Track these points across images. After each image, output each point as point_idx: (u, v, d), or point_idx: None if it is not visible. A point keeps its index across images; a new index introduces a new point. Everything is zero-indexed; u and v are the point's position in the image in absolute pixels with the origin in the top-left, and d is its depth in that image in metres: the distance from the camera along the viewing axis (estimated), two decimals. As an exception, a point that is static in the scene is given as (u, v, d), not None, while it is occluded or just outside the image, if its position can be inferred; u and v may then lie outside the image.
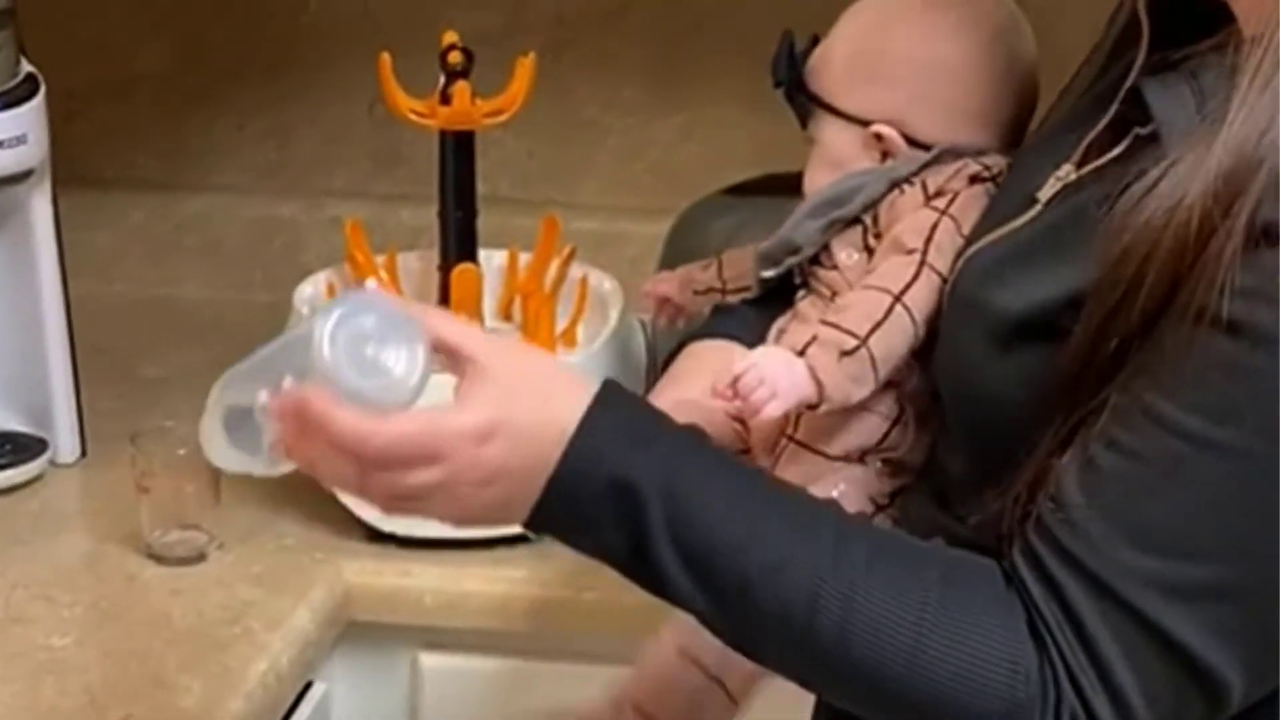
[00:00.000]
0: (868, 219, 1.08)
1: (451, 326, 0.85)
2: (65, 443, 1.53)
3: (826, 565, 0.80)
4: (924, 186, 1.06)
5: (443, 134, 1.42)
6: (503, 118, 1.42)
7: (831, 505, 0.90)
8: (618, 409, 0.83)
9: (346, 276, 1.51)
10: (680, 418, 0.88)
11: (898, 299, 1.01)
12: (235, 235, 1.94)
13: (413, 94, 1.43)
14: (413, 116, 1.41)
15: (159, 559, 1.38)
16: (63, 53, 1.77)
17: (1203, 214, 0.75)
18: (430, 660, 1.42)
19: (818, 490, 0.95)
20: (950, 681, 0.79)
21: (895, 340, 1.01)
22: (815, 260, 1.10)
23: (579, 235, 1.67)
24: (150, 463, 1.37)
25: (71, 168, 1.61)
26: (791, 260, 1.10)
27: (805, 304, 1.10)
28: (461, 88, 1.37)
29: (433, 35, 1.80)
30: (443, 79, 1.41)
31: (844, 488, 1.04)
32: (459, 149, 1.42)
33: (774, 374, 0.99)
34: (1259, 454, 0.75)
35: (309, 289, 1.51)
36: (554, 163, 1.89)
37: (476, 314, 1.44)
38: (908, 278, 1.02)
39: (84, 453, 1.55)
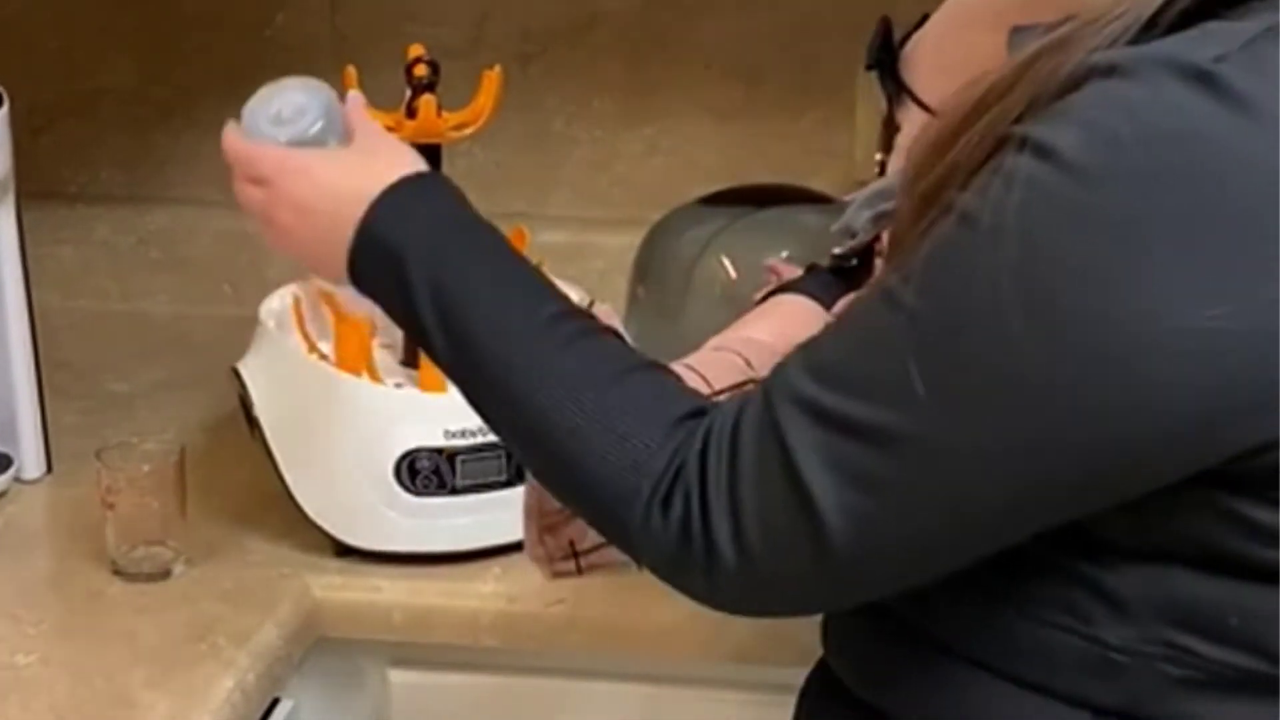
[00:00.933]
0: None
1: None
2: (30, 459, 1.52)
3: (536, 335, 0.92)
4: None
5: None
6: (469, 131, 1.41)
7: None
8: (421, 192, 0.99)
9: (312, 291, 1.50)
10: (748, 354, 1.08)
11: None
12: (201, 249, 1.93)
13: (379, 108, 1.42)
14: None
15: (125, 575, 1.37)
16: (27, 67, 1.80)
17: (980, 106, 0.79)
18: (399, 677, 1.41)
19: None
20: (588, 436, 0.87)
21: None
22: (875, 244, 1.13)
23: (547, 247, 1.64)
24: (115, 479, 1.35)
25: (36, 181, 1.61)
26: (850, 243, 1.14)
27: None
28: (427, 101, 1.36)
29: (398, 49, 1.79)
30: (409, 92, 1.39)
31: None
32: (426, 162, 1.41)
33: None
34: (918, 312, 0.77)
35: (275, 303, 1.50)
36: (522, 174, 1.89)
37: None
38: None
39: (49, 469, 1.54)
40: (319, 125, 1.06)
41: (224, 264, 1.92)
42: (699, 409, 0.88)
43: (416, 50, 1.38)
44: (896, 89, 1.13)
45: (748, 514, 0.82)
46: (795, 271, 1.34)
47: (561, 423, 0.88)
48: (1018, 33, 0.86)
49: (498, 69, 1.39)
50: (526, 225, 1.80)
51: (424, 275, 0.93)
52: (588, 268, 1.85)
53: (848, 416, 0.78)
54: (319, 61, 1.80)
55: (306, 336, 1.46)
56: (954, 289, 0.76)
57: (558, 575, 1.14)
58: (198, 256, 1.93)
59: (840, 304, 1.16)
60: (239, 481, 1.50)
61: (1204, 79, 0.73)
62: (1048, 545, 0.82)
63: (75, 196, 1.94)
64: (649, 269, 1.64)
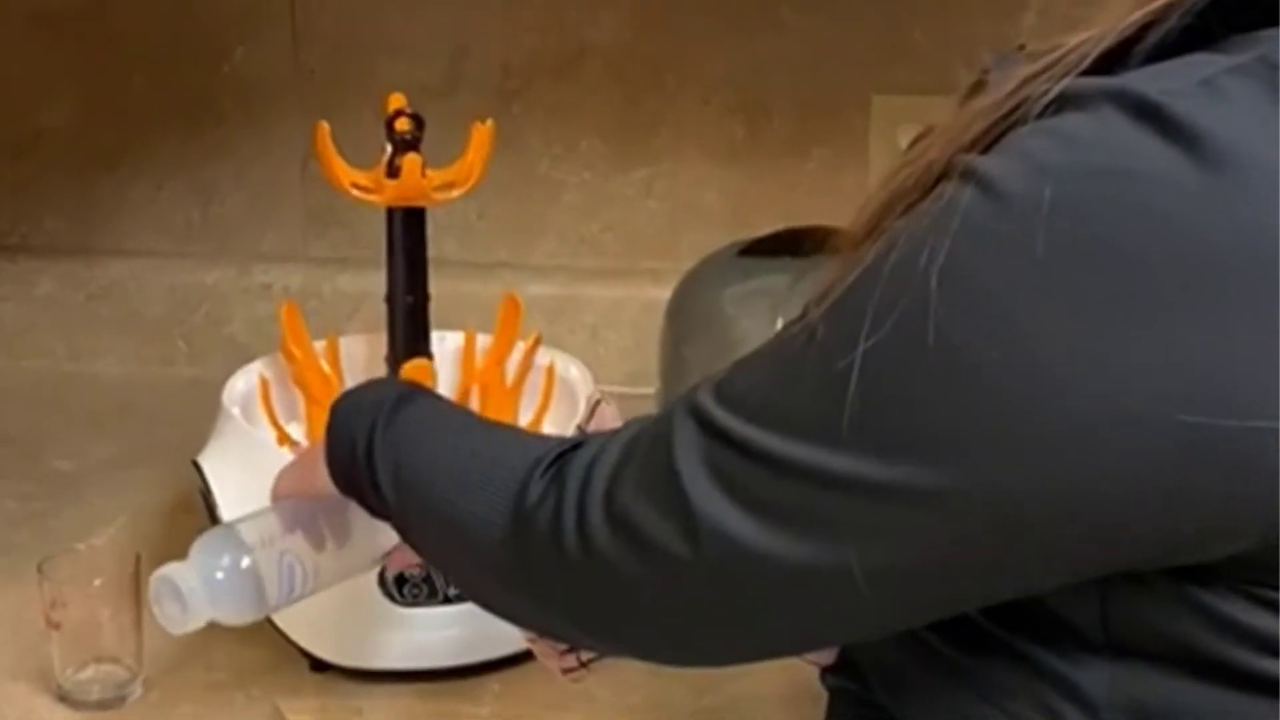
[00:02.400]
0: None
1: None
2: (-37, 555, 1.37)
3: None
4: None
5: (390, 210, 1.26)
6: (456, 194, 1.27)
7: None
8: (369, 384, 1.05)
9: (281, 367, 1.35)
10: None
11: None
12: (154, 305, 1.82)
13: (347, 149, 1.28)
14: (355, 192, 1.25)
15: (72, 702, 1.22)
16: (-42, 109, 1.73)
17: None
18: (385, 807, 1.26)
19: None
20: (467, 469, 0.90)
21: None
22: None
23: (534, 300, 1.58)
24: (62, 592, 1.21)
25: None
26: None
27: None
28: (411, 160, 1.21)
29: (368, 84, 1.73)
30: (389, 147, 1.25)
31: None
32: (408, 226, 1.27)
33: None
34: (826, 341, 0.74)
35: (240, 384, 1.35)
36: (505, 221, 1.78)
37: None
38: None
39: (-16, 566, 1.39)
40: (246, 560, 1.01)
41: (179, 321, 1.82)
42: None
43: (397, 101, 1.24)
44: None
45: (621, 505, 0.80)
46: None
47: (439, 465, 0.92)
48: (997, 63, 0.83)
49: (490, 123, 1.24)
50: (511, 275, 1.72)
51: (379, 439, 0.96)
52: (578, 322, 1.76)
53: (745, 438, 0.75)
54: (281, 100, 1.78)
55: (276, 423, 1.31)
56: (860, 318, 0.72)
57: (567, 673, 1.05)
58: (151, 313, 1.82)
59: None
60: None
61: (1149, 112, 0.68)
62: (1010, 631, 0.78)
63: (16, 248, 1.84)
64: (682, 332, 1.50)
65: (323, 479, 1.00)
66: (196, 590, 0.98)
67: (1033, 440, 0.69)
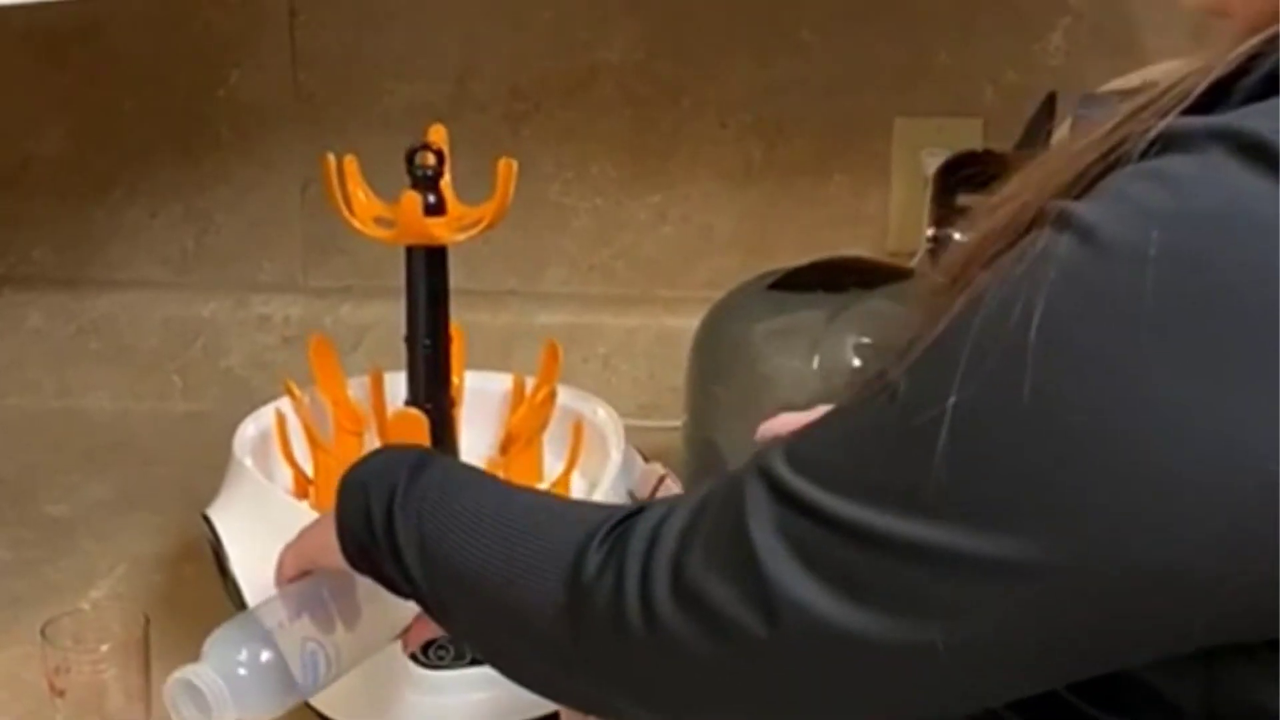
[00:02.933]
0: None
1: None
2: (-49, 612, 1.32)
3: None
4: None
5: (410, 248, 1.20)
6: (476, 231, 1.21)
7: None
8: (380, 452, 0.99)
9: (301, 407, 1.28)
10: None
11: None
12: (148, 338, 1.79)
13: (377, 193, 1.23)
14: (377, 230, 1.19)
15: (78, 775, 1.15)
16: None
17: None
18: None
19: None
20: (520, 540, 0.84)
21: None
22: None
23: (542, 329, 1.56)
24: (65, 658, 1.14)
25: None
26: None
27: None
28: (410, 199, 1.15)
29: (370, 108, 1.67)
30: (409, 181, 1.19)
31: None
32: (430, 266, 1.21)
33: None
34: (908, 399, 0.69)
35: (251, 429, 1.29)
36: (513, 248, 1.73)
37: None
38: None
39: (-21, 623, 1.33)
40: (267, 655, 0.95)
41: (173, 355, 1.79)
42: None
43: (439, 135, 1.20)
44: None
45: (690, 577, 0.75)
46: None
47: (477, 537, 0.87)
48: (1085, 104, 0.84)
49: (514, 164, 1.18)
50: (519, 304, 1.70)
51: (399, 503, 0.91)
52: (590, 353, 1.73)
53: (821, 506, 0.71)
54: (280, 125, 1.73)
55: (294, 464, 1.26)
56: (947, 377, 0.68)
57: None
58: (144, 346, 1.79)
59: None
60: (209, 638, 1.29)
61: (1262, 153, 0.64)
62: (1101, 708, 0.73)
63: (2, 279, 1.79)
64: (708, 368, 1.44)
65: (332, 554, 0.95)
66: (220, 691, 0.92)
67: (1139, 504, 0.65)
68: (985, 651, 0.69)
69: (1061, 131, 1.02)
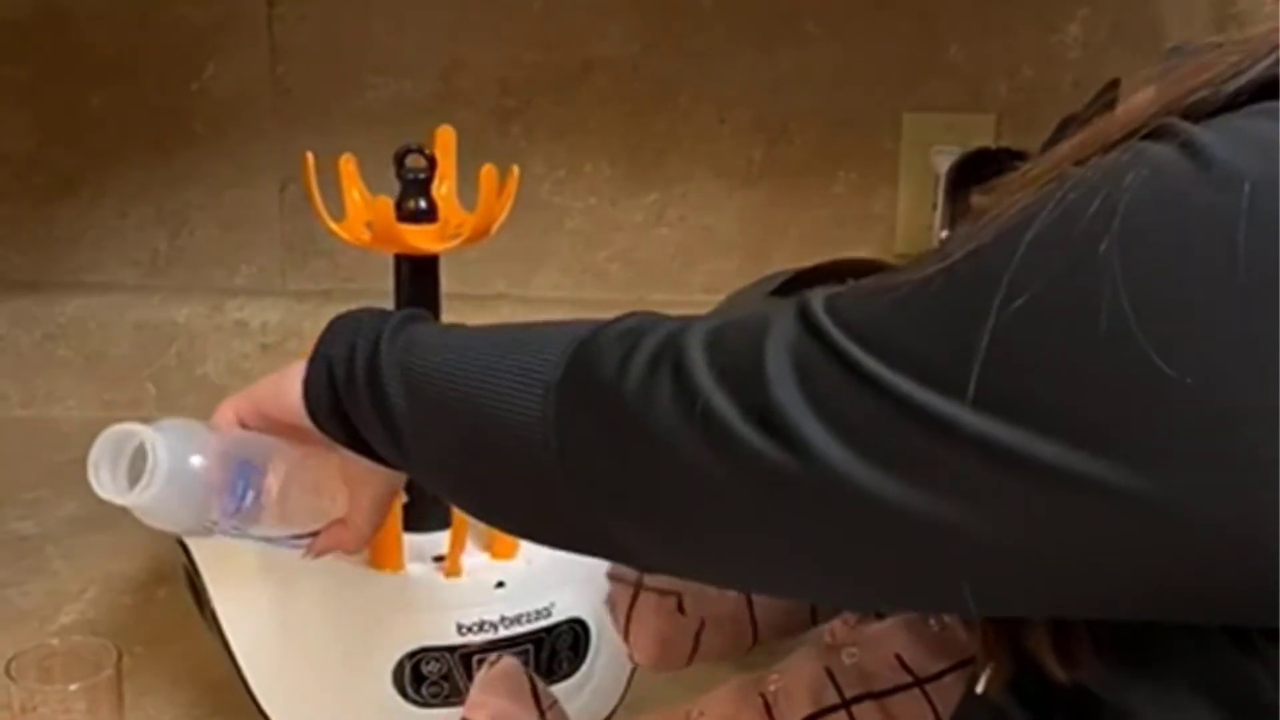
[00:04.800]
0: None
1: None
2: (-86, 640, 1.25)
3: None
4: None
5: (398, 257, 1.13)
6: (456, 243, 1.13)
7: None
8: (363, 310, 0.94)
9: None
10: None
11: None
12: (119, 344, 1.74)
13: (326, 177, 1.16)
14: (366, 238, 1.12)
15: (43, 818, 1.08)
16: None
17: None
18: None
19: None
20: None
21: None
22: None
23: None
24: (32, 697, 1.07)
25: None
26: None
27: None
28: (383, 203, 1.08)
29: (352, 103, 1.65)
30: (399, 188, 1.11)
31: None
32: (418, 275, 1.14)
33: None
34: (957, 271, 0.68)
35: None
36: (504, 249, 1.68)
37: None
38: None
39: (-60, 652, 1.26)
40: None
41: (147, 362, 1.74)
42: None
43: (446, 136, 1.13)
44: None
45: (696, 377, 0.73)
46: None
47: (467, 355, 0.84)
48: (1172, 52, 0.76)
49: (516, 171, 1.11)
50: (510, 308, 1.71)
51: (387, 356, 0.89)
52: None
53: (845, 352, 0.70)
54: (257, 120, 1.68)
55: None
56: (1007, 261, 0.66)
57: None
58: (115, 353, 1.74)
59: None
60: (185, 673, 1.24)
61: None
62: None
63: None
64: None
65: (286, 408, 0.92)
66: (163, 469, 0.85)
67: (1192, 433, 0.62)
68: (1013, 552, 0.66)
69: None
